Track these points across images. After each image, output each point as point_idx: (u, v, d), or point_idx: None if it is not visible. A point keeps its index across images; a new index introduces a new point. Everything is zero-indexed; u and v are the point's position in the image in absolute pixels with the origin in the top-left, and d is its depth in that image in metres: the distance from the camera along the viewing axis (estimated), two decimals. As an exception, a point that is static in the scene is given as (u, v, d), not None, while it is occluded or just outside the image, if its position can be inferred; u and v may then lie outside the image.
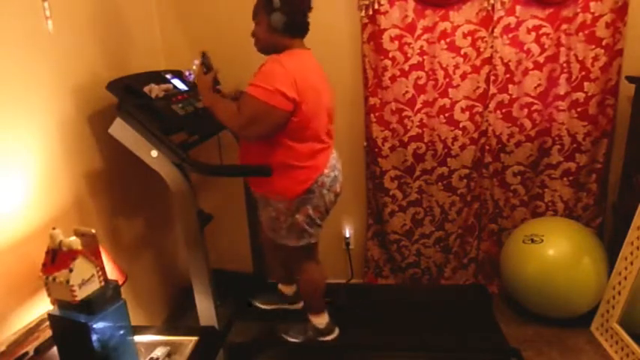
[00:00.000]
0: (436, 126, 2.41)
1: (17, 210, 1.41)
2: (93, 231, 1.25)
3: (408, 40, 2.29)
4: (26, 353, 1.25)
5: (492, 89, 2.34)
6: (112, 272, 1.50)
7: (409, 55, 2.31)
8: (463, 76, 2.32)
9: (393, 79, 2.35)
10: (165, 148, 1.70)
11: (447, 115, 2.39)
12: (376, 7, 2.24)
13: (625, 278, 2.10)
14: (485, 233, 2.60)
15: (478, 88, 2.33)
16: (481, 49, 2.27)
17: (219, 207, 2.62)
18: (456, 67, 2.31)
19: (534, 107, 2.34)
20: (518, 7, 2.21)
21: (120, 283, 1.31)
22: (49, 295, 1.17)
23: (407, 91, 2.37)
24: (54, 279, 1.13)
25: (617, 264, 2.15)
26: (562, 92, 2.30)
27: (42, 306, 1.40)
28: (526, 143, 2.40)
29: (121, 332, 1.22)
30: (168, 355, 1.40)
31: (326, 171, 1.84)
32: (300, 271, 2.06)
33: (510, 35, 2.26)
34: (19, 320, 1.37)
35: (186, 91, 2.05)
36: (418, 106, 2.39)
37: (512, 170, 2.47)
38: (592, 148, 2.37)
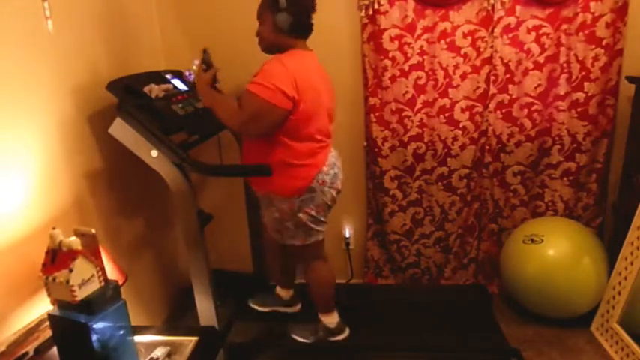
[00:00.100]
0: (436, 126, 2.41)
1: (17, 210, 1.41)
2: (93, 231, 1.25)
3: (408, 40, 2.29)
4: (26, 353, 1.25)
5: (492, 89, 2.34)
6: (112, 272, 1.50)
7: (409, 55, 2.31)
8: (463, 76, 2.32)
9: (393, 79, 2.35)
10: (165, 148, 1.70)
11: (447, 115, 2.39)
12: (376, 7, 2.24)
13: (625, 278, 2.10)
14: (485, 233, 2.60)
15: (478, 88, 2.33)
16: (481, 49, 2.27)
17: (219, 207, 2.62)
18: (456, 67, 2.31)
19: (534, 107, 2.34)
20: (518, 7, 2.21)
21: (120, 283, 1.31)
22: (49, 295, 1.17)
23: (407, 91, 2.37)
24: (54, 279, 1.13)
25: (617, 264, 2.15)
26: (562, 92, 2.30)
27: (42, 306, 1.40)
28: (526, 143, 2.40)
29: (121, 332, 1.22)
30: (168, 355, 1.40)
31: (325, 169, 1.85)
32: (309, 270, 2.05)
33: (510, 35, 2.26)
34: (19, 320, 1.37)
35: (186, 91, 2.05)
36: (418, 106, 2.39)
37: (512, 170, 2.47)
38: (592, 148, 2.37)
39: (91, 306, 1.14)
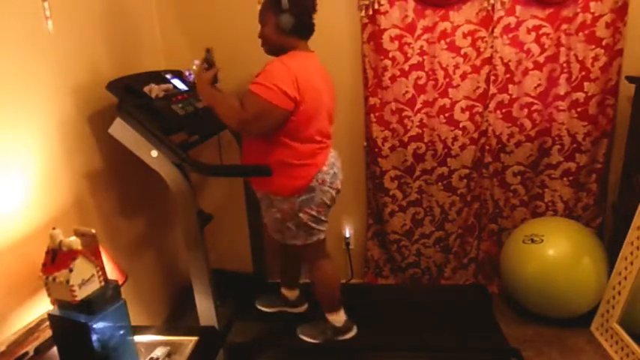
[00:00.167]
0: (436, 126, 2.41)
1: (17, 210, 1.41)
2: (93, 231, 1.25)
3: (408, 40, 2.29)
4: (26, 353, 1.25)
5: (492, 89, 2.34)
6: (112, 272, 1.50)
7: (409, 55, 2.31)
8: (463, 76, 2.32)
9: (393, 79, 2.35)
10: (165, 148, 1.70)
11: (447, 115, 2.39)
12: (376, 7, 2.24)
13: (625, 278, 2.10)
14: (485, 233, 2.60)
15: (478, 88, 2.33)
16: (481, 49, 2.27)
17: (219, 207, 2.63)
18: (456, 67, 2.31)
19: (534, 107, 2.34)
20: (518, 7, 2.21)
21: (120, 283, 1.31)
22: (49, 295, 1.17)
23: (407, 91, 2.37)
24: (54, 279, 1.13)
25: (617, 264, 2.15)
26: (562, 92, 2.30)
27: (42, 306, 1.40)
28: (526, 143, 2.40)
29: (121, 332, 1.22)
30: (168, 355, 1.40)
31: (325, 168, 1.86)
32: (313, 270, 2.05)
33: (510, 35, 2.26)
34: (19, 320, 1.37)
35: (186, 91, 2.05)
36: (418, 106, 2.39)
37: (512, 170, 2.47)
38: (592, 148, 2.37)
39: (91, 306, 1.14)
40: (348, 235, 2.69)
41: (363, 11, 2.27)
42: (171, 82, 2.01)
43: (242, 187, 2.49)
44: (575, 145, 2.37)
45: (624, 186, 2.34)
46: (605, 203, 2.49)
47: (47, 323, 1.28)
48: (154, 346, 1.42)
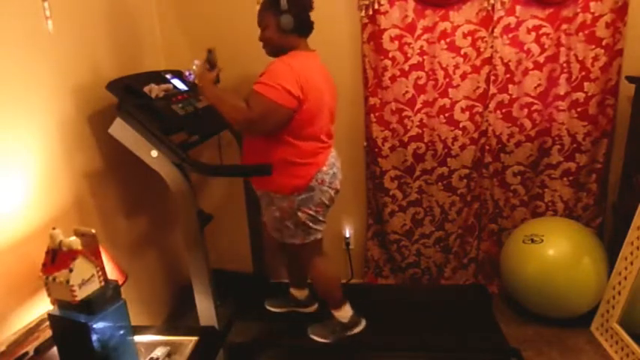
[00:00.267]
0: (436, 126, 2.41)
1: (17, 210, 1.41)
2: (93, 231, 1.25)
3: (408, 40, 2.29)
4: (26, 353, 1.25)
5: (492, 89, 2.34)
6: (112, 272, 1.50)
7: (409, 55, 2.31)
8: (463, 76, 2.32)
9: (393, 79, 2.35)
10: (165, 148, 1.70)
11: (447, 115, 2.39)
12: (376, 7, 2.24)
13: (625, 278, 2.10)
14: (485, 233, 2.60)
15: (478, 88, 2.33)
16: (481, 49, 2.27)
17: (219, 207, 2.63)
18: (456, 67, 2.31)
19: (534, 107, 2.34)
20: (518, 7, 2.21)
21: (120, 283, 1.31)
22: (49, 295, 1.17)
23: (407, 91, 2.37)
24: (54, 279, 1.13)
25: (617, 264, 2.15)
26: (562, 92, 2.30)
27: (42, 306, 1.40)
28: (526, 143, 2.40)
29: (121, 332, 1.22)
30: (168, 355, 1.40)
31: (324, 168, 1.87)
32: (310, 269, 2.06)
33: (510, 35, 2.26)
34: (19, 320, 1.37)
35: (186, 91, 2.05)
36: (418, 106, 2.39)
37: (512, 170, 2.47)
38: (592, 148, 2.37)
39: (91, 306, 1.14)
40: (348, 235, 2.69)
41: (363, 11, 2.27)
42: (171, 82, 2.01)
43: (242, 187, 2.49)
44: (575, 145, 2.37)
45: (624, 186, 2.34)
46: (605, 203, 2.49)
47: (47, 323, 1.28)
48: (154, 346, 1.42)
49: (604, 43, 2.21)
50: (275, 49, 1.82)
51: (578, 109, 2.32)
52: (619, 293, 2.13)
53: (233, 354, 2.03)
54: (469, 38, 2.27)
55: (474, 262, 2.63)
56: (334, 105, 1.96)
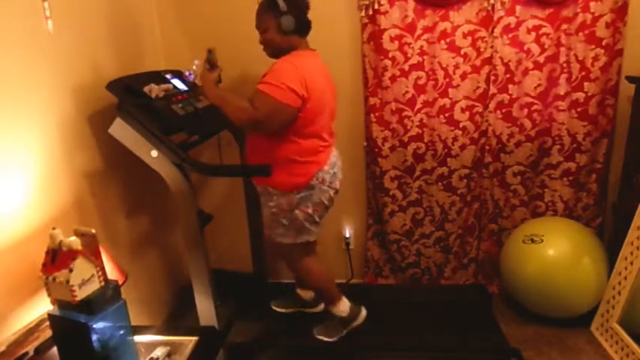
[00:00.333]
0: (436, 126, 2.41)
1: (17, 210, 1.41)
2: (93, 231, 1.25)
3: (408, 40, 2.29)
4: (26, 353, 1.25)
5: (492, 89, 2.34)
6: (112, 272, 1.50)
7: (409, 55, 2.31)
8: (463, 76, 2.32)
9: (393, 79, 2.35)
10: (165, 148, 1.70)
11: (447, 115, 2.39)
12: (376, 7, 2.24)
13: (625, 278, 2.10)
14: (485, 233, 2.60)
15: (478, 88, 2.33)
16: (481, 49, 2.27)
17: (219, 207, 2.63)
18: (456, 67, 2.31)
19: (534, 107, 2.34)
20: (518, 7, 2.21)
21: (120, 283, 1.31)
22: (49, 295, 1.17)
23: (407, 91, 2.37)
24: (54, 279, 1.13)
25: (617, 264, 2.15)
26: (562, 92, 2.30)
27: (42, 306, 1.40)
28: (526, 143, 2.40)
29: (121, 332, 1.22)
30: (168, 355, 1.40)
31: (326, 167, 1.89)
32: (300, 270, 2.07)
33: (510, 35, 2.26)
34: (19, 320, 1.37)
35: (186, 91, 2.04)
36: (418, 106, 2.39)
37: (512, 170, 2.47)
38: (592, 148, 2.37)
39: (91, 306, 1.14)
40: (348, 235, 2.69)
41: (363, 11, 2.27)
42: (171, 82, 2.01)
43: (242, 187, 2.49)
44: (575, 145, 2.37)
45: (624, 186, 2.34)
46: (605, 203, 2.49)
47: (47, 323, 1.28)
48: (154, 346, 1.42)
49: (604, 43, 2.21)
50: (276, 50, 1.83)
51: (578, 109, 2.32)
52: (619, 293, 2.13)
53: (233, 354, 2.03)
54: (469, 38, 2.27)
55: (473, 262, 2.63)
56: (335, 104, 1.97)
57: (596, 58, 2.24)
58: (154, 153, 1.70)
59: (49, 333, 1.29)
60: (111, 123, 1.71)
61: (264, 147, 1.85)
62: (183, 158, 1.71)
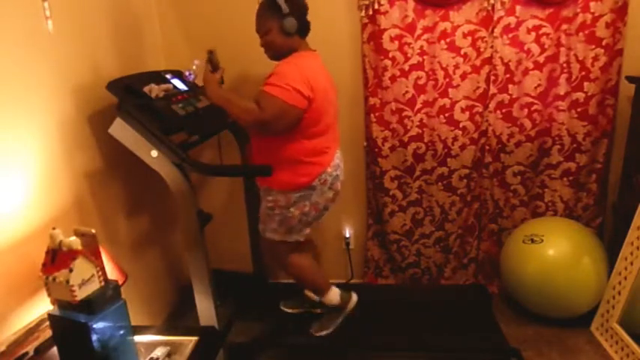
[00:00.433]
0: (436, 126, 2.41)
1: (17, 210, 1.41)
2: (93, 231, 1.25)
3: (408, 40, 2.29)
4: (26, 353, 1.25)
5: (492, 89, 2.34)
6: (112, 272, 1.50)
7: (409, 55, 2.31)
8: (463, 76, 2.32)
9: (393, 79, 2.35)
10: (165, 148, 1.70)
11: (447, 115, 2.39)
12: (376, 7, 2.24)
13: (625, 278, 2.10)
14: (485, 233, 2.60)
15: (478, 88, 2.33)
16: (481, 49, 2.27)
17: (219, 207, 2.63)
18: (456, 67, 2.31)
19: (534, 107, 2.34)
20: (518, 7, 2.21)
21: (120, 283, 1.31)
22: (49, 295, 1.17)
23: (407, 91, 2.37)
24: (54, 279, 1.13)
25: (617, 264, 2.15)
26: (562, 92, 2.30)
27: (42, 306, 1.40)
28: (526, 143, 2.40)
29: (121, 332, 1.22)
30: (168, 355, 1.40)
31: (329, 170, 1.90)
32: (287, 267, 2.09)
33: (510, 35, 2.26)
34: (19, 320, 1.37)
35: (186, 91, 2.05)
36: (418, 106, 2.39)
37: (512, 170, 2.46)
38: (592, 148, 2.37)
39: (91, 306, 1.14)
40: (348, 235, 2.69)
41: (363, 11, 2.27)
42: (171, 82, 2.01)
43: (242, 187, 2.49)
44: (575, 145, 2.37)
45: (624, 186, 2.34)
46: (605, 203, 2.49)
47: (47, 323, 1.28)
48: (154, 346, 1.42)
49: (604, 43, 2.21)
50: (278, 52, 1.84)
51: (578, 109, 2.32)
52: (619, 293, 2.13)
53: (233, 354, 2.03)
54: (469, 38, 2.27)
55: (474, 262, 2.63)
56: (336, 104, 1.98)
57: (596, 58, 2.24)
58: (154, 153, 1.70)
59: (49, 333, 1.29)
60: (111, 123, 1.71)
61: (269, 147, 1.86)
62: (183, 158, 1.71)
